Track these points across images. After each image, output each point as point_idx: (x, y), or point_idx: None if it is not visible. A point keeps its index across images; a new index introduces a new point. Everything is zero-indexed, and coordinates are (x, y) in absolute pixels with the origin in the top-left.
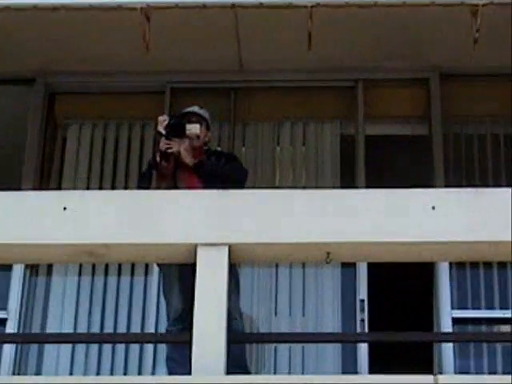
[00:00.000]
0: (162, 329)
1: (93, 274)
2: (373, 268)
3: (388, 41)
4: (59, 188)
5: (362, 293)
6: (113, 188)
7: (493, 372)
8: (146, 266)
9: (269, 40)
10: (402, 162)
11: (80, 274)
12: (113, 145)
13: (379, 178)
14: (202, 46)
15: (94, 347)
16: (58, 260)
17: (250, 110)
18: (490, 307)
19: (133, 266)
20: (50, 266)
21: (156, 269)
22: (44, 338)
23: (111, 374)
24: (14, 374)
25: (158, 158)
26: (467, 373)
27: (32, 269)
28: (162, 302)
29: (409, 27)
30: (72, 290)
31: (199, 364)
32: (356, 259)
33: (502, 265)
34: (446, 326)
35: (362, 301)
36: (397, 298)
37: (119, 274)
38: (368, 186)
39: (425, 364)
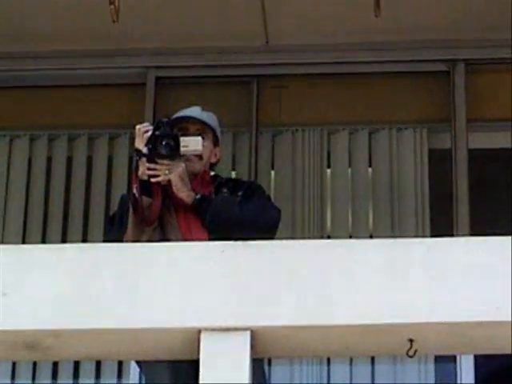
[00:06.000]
0: None
1: (33, 378)
2: (485, 363)
3: None
4: None
5: None
6: (64, 240)
7: None
8: (119, 364)
9: (309, 0)
10: None
11: (13, 378)
12: (64, 168)
13: (492, 217)
14: (205, 13)
15: None
16: None
17: (283, 111)
18: None
19: (98, 364)
20: None
21: (135, 369)
22: None
23: None
24: None
25: (135, 192)
26: None
27: None
28: None
29: None
30: None
31: None
32: (457, 350)
33: None
34: None
35: None
36: None
37: (76, 377)
38: (474, 232)
39: None
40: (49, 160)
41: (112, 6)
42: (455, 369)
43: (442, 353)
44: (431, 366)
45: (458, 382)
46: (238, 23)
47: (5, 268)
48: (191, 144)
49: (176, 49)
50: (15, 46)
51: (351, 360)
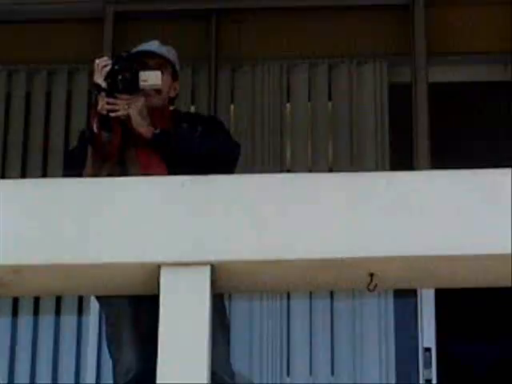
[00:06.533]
0: None
1: None
2: (445, 297)
3: None
4: None
5: (428, 338)
6: (23, 175)
7: None
8: (80, 299)
9: None
10: (487, 124)
11: None
12: (22, 104)
13: (452, 152)
14: None
15: None
16: None
17: (243, 45)
18: None
19: (58, 300)
20: None
21: (95, 304)
22: None
23: None
24: None
25: (95, 127)
26: None
27: None
28: (104, 355)
29: None
30: None
31: None
32: (418, 285)
33: None
34: None
35: (428, 350)
36: (484, 344)
37: (36, 313)
38: (434, 167)
39: None
40: (8, 95)
41: None
42: (416, 303)
43: (402, 287)
44: (391, 301)
45: (419, 316)
46: None
47: None
48: (150, 78)
49: None
50: None
51: (310, 295)
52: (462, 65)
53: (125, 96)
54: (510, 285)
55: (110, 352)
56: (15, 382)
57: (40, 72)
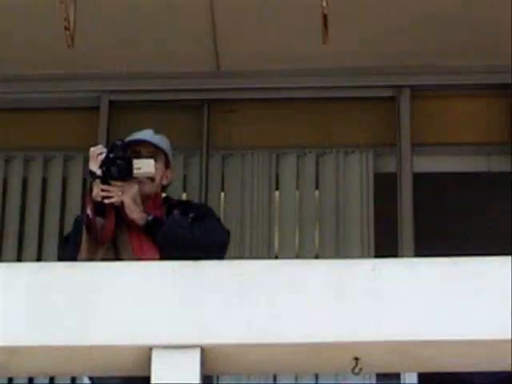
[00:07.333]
0: None
1: None
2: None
3: (449, 25)
4: None
5: None
6: (19, 259)
7: None
8: (73, 380)
9: (259, 27)
10: (470, 212)
11: None
12: (18, 191)
13: (436, 240)
14: (157, 38)
15: None
16: None
17: (233, 135)
18: None
19: (51, 380)
20: None
21: None
22: None
23: None
24: None
25: (89, 213)
26: None
27: None
28: None
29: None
30: None
31: None
32: (401, 369)
33: None
34: None
35: None
36: None
37: None
38: (419, 254)
39: None
40: (4, 182)
41: (67, 32)
42: None
43: (386, 370)
44: (374, 381)
45: None
46: (190, 49)
47: None
48: (144, 166)
49: (129, 73)
50: None
51: (296, 375)
52: (446, 155)
53: (119, 183)
54: (491, 369)
55: None
56: None
57: (36, 159)
